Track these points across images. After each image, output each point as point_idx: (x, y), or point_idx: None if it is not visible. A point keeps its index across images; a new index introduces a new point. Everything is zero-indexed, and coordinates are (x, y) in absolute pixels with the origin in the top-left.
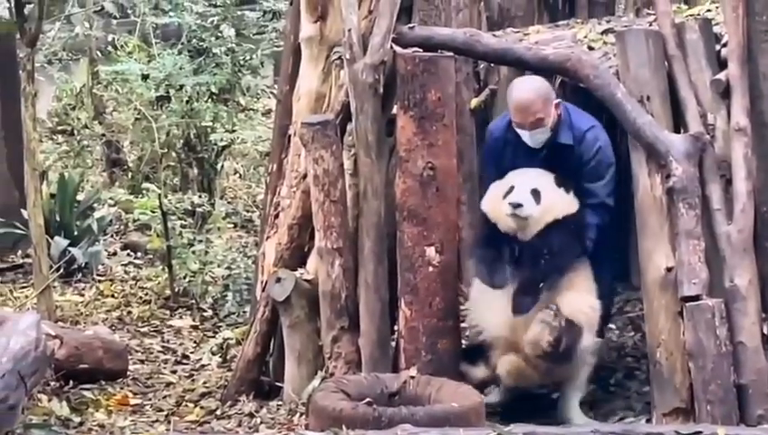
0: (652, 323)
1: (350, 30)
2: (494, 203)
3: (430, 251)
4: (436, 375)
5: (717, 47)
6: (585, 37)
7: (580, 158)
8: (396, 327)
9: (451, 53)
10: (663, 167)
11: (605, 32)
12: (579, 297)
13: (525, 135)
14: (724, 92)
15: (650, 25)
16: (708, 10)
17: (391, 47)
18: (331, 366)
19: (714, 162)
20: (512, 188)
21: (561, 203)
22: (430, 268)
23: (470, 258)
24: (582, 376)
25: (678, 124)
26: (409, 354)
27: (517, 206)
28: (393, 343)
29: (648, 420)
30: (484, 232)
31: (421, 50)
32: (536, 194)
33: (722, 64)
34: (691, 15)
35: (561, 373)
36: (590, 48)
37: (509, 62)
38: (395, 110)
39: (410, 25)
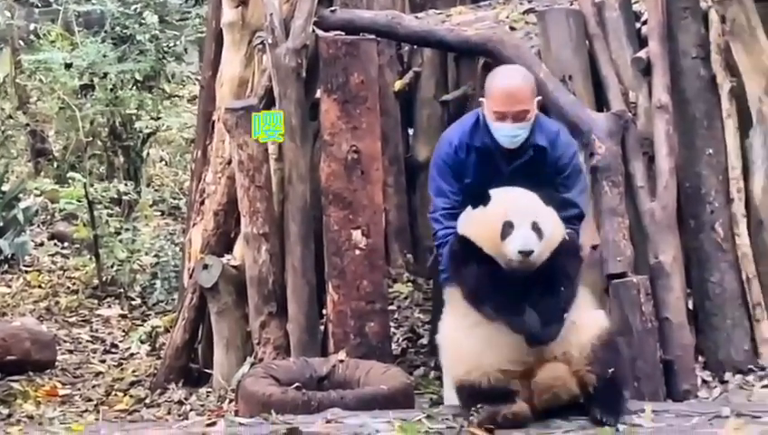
0: None
1: (271, 14)
2: (485, 235)
3: (356, 234)
4: (364, 358)
5: (638, 25)
6: (507, 17)
7: (555, 163)
8: (324, 311)
9: (373, 36)
10: (586, 145)
11: (526, 12)
12: (590, 313)
13: (505, 129)
14: (646, 70)
15: (571, 5)
16: None
17: (313, 31)
18: (260, 352)
19: (636, 140)
20: (509, 226)
21: (559, 228)
22: (357, 252)
23: (451, 286)
24: None
25: (600, 103)
26: (338, 338)
27: (529, 253)
28: (321, 328)
29: None
30: (470, 262)
31: (343, 33)
32: (537, 229)
33: (642, 42)
34: None
35: None
36: (512, 28)
37: (431, 44)
38: (318, 94)
39: (332, 9)
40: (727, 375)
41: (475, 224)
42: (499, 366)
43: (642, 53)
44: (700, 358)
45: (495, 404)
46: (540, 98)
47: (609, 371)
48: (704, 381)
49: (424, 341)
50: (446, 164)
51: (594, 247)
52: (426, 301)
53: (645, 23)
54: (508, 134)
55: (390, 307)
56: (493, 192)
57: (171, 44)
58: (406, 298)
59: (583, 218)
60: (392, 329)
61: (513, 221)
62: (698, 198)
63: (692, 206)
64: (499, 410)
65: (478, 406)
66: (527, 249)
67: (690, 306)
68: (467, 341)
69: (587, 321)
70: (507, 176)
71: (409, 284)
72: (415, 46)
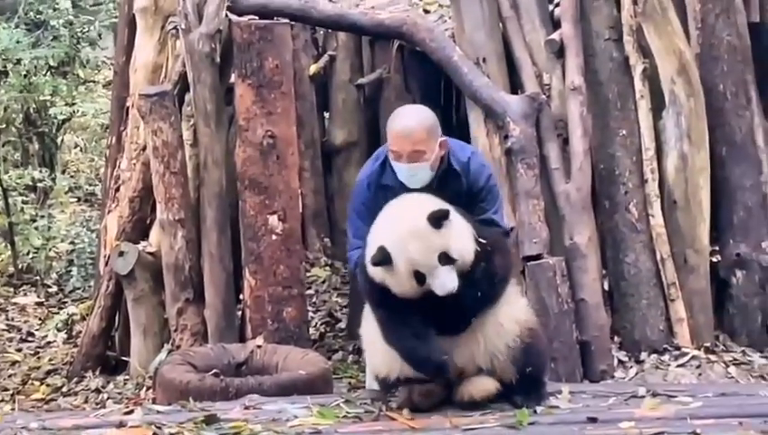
0: None
1: (183, 0)
2: (402, 289)
3: (273, 219)
4: (282, 344)
5: (551, 7)
6: (420, 1)
7: (470, 189)
8: (241, 297)
9: (287, 21)
10: (501, 128)
11: None
12: (511, 309)
13: (402, 169)
14: (559, 52)
15: None
16: None
17: (227, 15)
18: (177, 338)
19: (551, 122)
20: (421, 275)
21: (467, 246)
22: (273, 237)
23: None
24: None
25: (515, 85)
26: (255, 324)
27: (450, 292)
28: (239, 314)
29: None
30: (379, 298)
31: (257, 18)
32: (447, 258)
33: (556, 24)
34: None
35: None
36: (426, 11)
37: (345, 27)
38: (233, 78)
39: None
40: (643, 355)
41: (387, 277)
42: (416, 374)
43: (555, 35)
44: (616, 338)
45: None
46: (444, 138)
47: (530, 368)
48: (620, 362)
49: (342, 325)
50: (363, 205)
51: (510, 229)
52: (344, 285)
53: (558, 5)
54: (405, 173)
55: (308, 292)
56: (375, 228)
57: (85, 30)
58: (323, 282)
59: (508, 234)
60: (310, 314)
61: (421, 269)
62: (612, 179)
63: (606, 187)
64: (413, 389)
65: (394, 390)
66: (448, 291)
67: (606, 287)
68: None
69: (510, 320)
70: None
71: (327, 268)
72: (329, 30)
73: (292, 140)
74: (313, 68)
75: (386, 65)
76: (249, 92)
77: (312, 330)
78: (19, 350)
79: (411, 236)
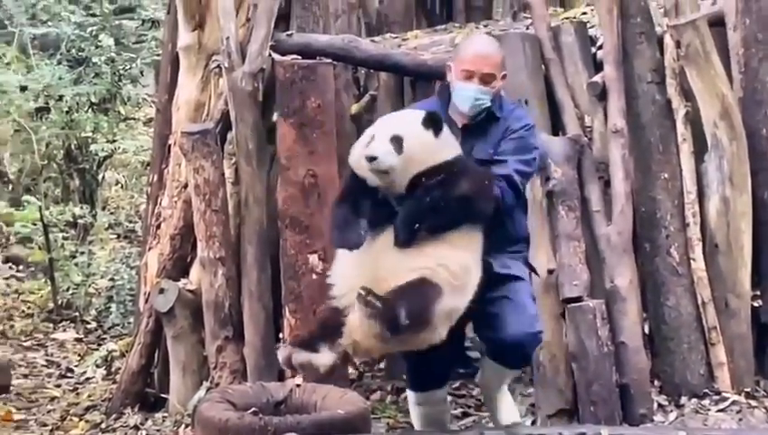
0: None
1: (227, 38)
2: (355, 153)
3: (313, 259)
4: (321, 383)
5: (593, 50)
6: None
7: (504, 130)
8: (280, 335)
9: (330, 60)
10: (542, 169)
11: None
12: (448, 253)
13: (470, 89)
14: (601, 94)
15: (527, 29)
16: (584, 13)
17: (270, 55)
18: (216, 376)
19: (592, 164)
20: (372, 138)
21: (428, 149)
22: (314, 276)
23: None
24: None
25: (556, 127)
26: None
27: (372, 159)
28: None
29: (533, 423)
30: (346, 189)
31: (300, 57)
32: (398, 141)
33: (598, 67)
34: (567, 19)
35: (419, 340)
36: None
37: (387, 67)
38: (275, 117)
39: (288, 33)
40: (683, 399)
41: (355, 147)
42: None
43: (598, 78)
44: (656, 382)
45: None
46: (505, 73)
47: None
48: (660, 406)
49: (381, 365)
50: None
51: (550, 272)
52: None
53: (600, 47)
54: (471, 95)
55: None
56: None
57: (127, 67)
58: None
59: (516, 190)
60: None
61: (375, 134)
62: (654, 222)
63: (647, 230)
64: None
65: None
66: (371, 154)
67: (646, 330)
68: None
69: (430, 258)
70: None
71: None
72: (371, 70)
73: (334, 180)
74: (355, 107)
75: None
76: (291, 131)
77: (350, 369)
78: (58, 386)
79: (396, 117)
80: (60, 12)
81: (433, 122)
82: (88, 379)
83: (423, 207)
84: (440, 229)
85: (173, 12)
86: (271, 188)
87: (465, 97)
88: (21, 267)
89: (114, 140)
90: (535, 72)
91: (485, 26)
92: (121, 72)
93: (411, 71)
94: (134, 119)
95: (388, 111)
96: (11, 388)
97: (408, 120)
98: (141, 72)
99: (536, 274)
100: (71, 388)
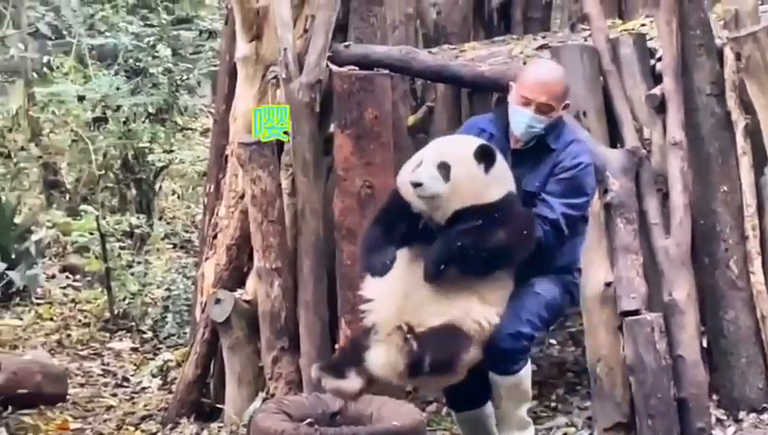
0: (592, 338)
1: (285, 49)
2: (402, 176)
3: None
4: (376, 394)
5: (652, 62)
6: (521, 53)
7: (556, 165)
8: (336, 346)
9: (387, 71)
10: (600, 182)
11: (540, 47)
12: (478, 307)
13: (525, 114)
14: (660, 107)
15: (585, 41)
16: (642, 25)
17: (327, 66)
18: (272, 387)
19: (650, 176)
20: (420, 162)
21: (475, 184)
22: None
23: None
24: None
25: (615, 139)
26: None
27: (417, 185)
28: None
29: None
30: (385, 210)
31: (357, 68)
32: (446, 169)
33: (657, 79)
34: (625, 30)
35: (436, 384)
36: (525, 64)
37: (445, 78)
38: (332, 128)
39: (346, 44)
40: (741, 414)
41: (404, 169)
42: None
43: (657, 90)
44: (714, 396)
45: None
46: (568, 102)
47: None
48: (718, 420)
49: None
50: None
51: (608, 284)
52: None
53: (659, 59)
54: (525, 121)
55: None
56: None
57: (184, 77)
58: None
59: (560, 235)
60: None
61: (424, 157)
62: (713, 235)
63: (706, 243)
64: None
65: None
66: (416, 180)
67: (704, 344)
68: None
69: (457, 309)
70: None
71: None
72: (428, 81)
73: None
74: (412, 119)
75: None
76: (348, 142)
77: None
78: (114, 395)
79: (448, 143)
80: (118, 22)
81: (485, 156)
82: (144, 388)
83: (455, 248)
84: (471, 272)
85: (231, 23)
86: (327, 199)
87: (519, 121)
88: (78, 277)
89: (171, 151)
90: (593, 84)
91: (543, 38)
92: (178, 82)
93: (468, 82)
94: (191, 129)
95: (445, 122)
96: (67, 397)
97: (460, 149)
98: (198, 83)
99: (575, 302)
100: (127, 397)
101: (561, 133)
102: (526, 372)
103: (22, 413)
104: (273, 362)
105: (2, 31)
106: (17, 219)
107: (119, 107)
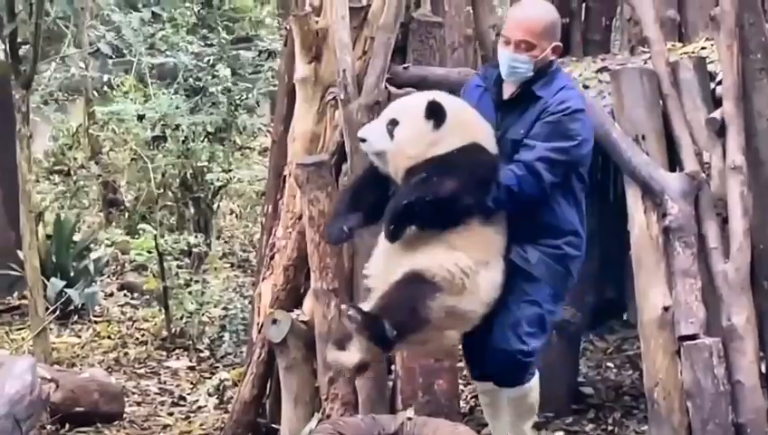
0: (649, 362)
1: (344, 70)
2: None
3: None
4: (433, 416)
5: (712, 85)
6: (580, 75)
7: (542, 111)
8: (393, 368)
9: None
10: (659, 205)
11: (600, 70)
12: (444, 254)
13: (505, 54)
14: (720, 131)
15: (645, 64)
16: (703, 48)
17: (386, 87)
18: (328, 408)
19: (710, 201)
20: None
21: (422, 140)
22: None
23: None
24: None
25: (674, 163)
26: (406, 395)
27: (362, 141)
28: (390, 384)
29: None
30: (358, 177)
31: (416, 90)
32: (394, 126)
33: (717, 103)
34: (686, 54)
35: (429, 344)
36: (585, 87)
37: None
38: None
39: (405, 65)
40: None
41: None
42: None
43: (717, 114)
44: None
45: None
46: (558, 45)
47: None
48: None
49: None
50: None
51: (666, 309)
52: None
53: (719, 83)
54: (505, 61)
55: (459, 364)
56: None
57: (243, 97)
58: None
59: (540, 180)
60: (460, 386)
61: (381, 114)
62: None
63: (765, 268)
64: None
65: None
66: (362, 136)
67: (763, 370)
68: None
69: (426, 258)
70: (496, 114)
71: None
72: None
73: None
74: None
75: None
76: None
77: (461, 403)
78: (170, 414)
79: (405, 100)
80: (178, 42)
81: (434, 113)
82: (200, 407)
83: (403, 204)
84: (430, 225)
85: (290, 43)
86: None
87: (502, 63)
88: (136, 295)
89: (229, 170)
90: (653, 107)
91: (602, 60)
92: (237, 101)
93: None
94: (249, 148)
95: None
96: (124, 415)
97: (412, 105)
98: (257, 103)
99: (571, 274)
100: (183, 416)
101: (552, 81)
102: (533, 383)
103: (79, 431)
104: (330, 382)
105: (63, 50)
106: (76, 237)
107: (178, 126)
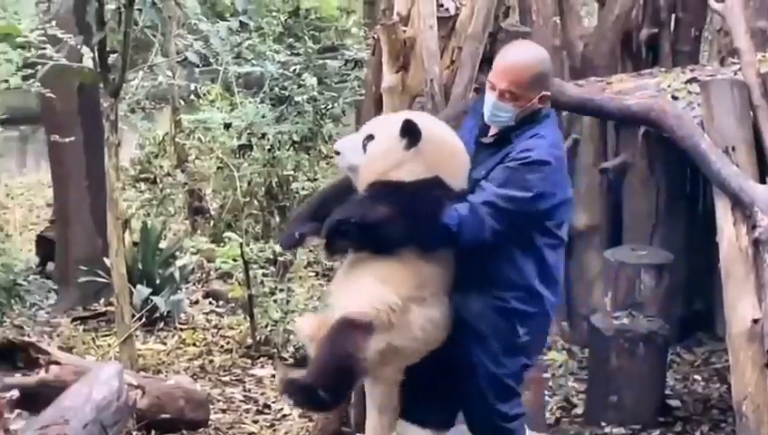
0: (738, 374)
1: (431, 80)
2: None
3: None
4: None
5: None
6: (669, 86)
7: (505, 155)
8: None
9: None
10: (748, 217)
11: (689, 81)
12: (372, 288)
13: (489, 99)
14: None
15: (735, 75)
16: None
17: (473, 97)
18: None
19: None
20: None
21: (390, 159)
22: None
23: None
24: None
25: (764, 175)
26: None
27: (336, 153)
28: None
29: None
30: (331, 185)
31: None
32: (370, 141)
33: None
34: None
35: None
36: (674, 97)
37: (590, 111)
38: None
39: None
40: None
41: None
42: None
43: None
44: None
45: None
46: (546, 94)
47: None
48: None
49: (578, 410)
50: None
51: (755, 321)
52: (581, 370)
53: None
54: (488, 108)
55: (544, 375)
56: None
57: (329, 106)
58: (560, 366)
59: (478, 215)
60: (546, 398)
61: (361, 129)
62: None
63: None
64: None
65: None
66: (336, 148)
67: None
68: None
69: (354, 294)
70: (474, 150)
71: (564, 352)
72: (574, 113)
73: None
74: None
75: (631, 151)
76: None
77: (548, 414)
78: (255, 421)
79: (390, 116)
80: (265, 51)
81: (408, 132)
82: (285, 416)
83: (337, 220)
84: (360, 249)
85: (377, 53)
86: None
87: (485, 108)
88: (221, 303)
89: (315, 179)
90: (743, 118)
91: (692, 71)
92: (323, 111)
93: (615, 115)
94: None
95: (591, 155)
96: (209, 422)
97: (391, 123)
98: (343, 112)
99: (517, 332)
100: (268, 424)
101: (532, 128)
102: None
103: None
104: None
105: (151, 59)
106: (162, 245)
107: (264, 135)
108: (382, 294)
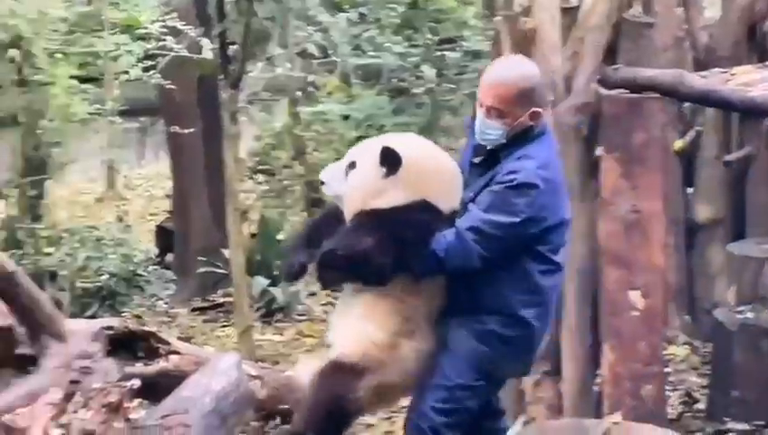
0: None
1: (553, 71)
2: None
3: (635, 295)
4: (639, 422)
5: None
6: None
7: (492, 177)
8: (598, 372)
9: (656, 94)
10: None
11: None
12: (361, 325)
13: (478, 118)
14: None
15: None
16: None
17: (596, 89)
18: (532, 411)
19: None
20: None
21: (369, 187)
22: (634, 313)
23: None
24: None
25: None
26: (613, 400)
27: (322, 183)
28: (595, 389)
29: None
30: (325, 210)
31: (626, 91)
32: (352, 169)
33: None
34: None
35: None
36: None
37: (713, 103)
38: (599, 151)
39: (615, 66)
40: None
41: None
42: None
43: None
44: None
45: None
46: (537, 111)
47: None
48: None
49: (700, 406)
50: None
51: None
52: (703, 365)
53: None
54: (478, 125)
55: (665, 370)
56: None
57: (447, 98)
58: (682, 361)
59: (464, 240)
60: (667, 392)
61: (347, 154)
62: None
63: None
64: None
65: None
66: (321, 178)
67: None
68: None
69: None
70: (468, 171)
71: (686, 346)
72: (697, 105)
73: (659, 216)
74: (679, 143)
75: (755, 143)
76: (615, 166)
77: (669, 409)
78: (373, 413)
79: (373, 141)
80: (383, 43)
81: (387, 159)
82: (403, 407)
83: (325, 252)
84: (351, 281)
85: (498, 44)
86: (592, 224)
87: (476, 125)
88: (337, 295)
89: None
90: None
91: None
92: (441, 102)
93: (738, 107)
94: (453, 150)
95: (715, 147)
96: None
97: (372, 149)
98: (461, 104)
99: (494, 359)
100: (386, 416)
101: (522, 148)
102: None
103: (284, 428)
104: (535, 385)
105: (270, 50)
106: (280, 236)
107: (382, 126)
108: (368, 333)
